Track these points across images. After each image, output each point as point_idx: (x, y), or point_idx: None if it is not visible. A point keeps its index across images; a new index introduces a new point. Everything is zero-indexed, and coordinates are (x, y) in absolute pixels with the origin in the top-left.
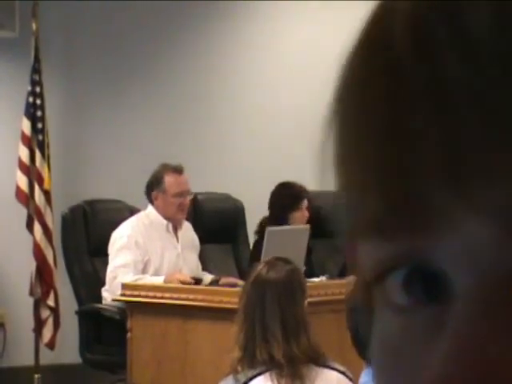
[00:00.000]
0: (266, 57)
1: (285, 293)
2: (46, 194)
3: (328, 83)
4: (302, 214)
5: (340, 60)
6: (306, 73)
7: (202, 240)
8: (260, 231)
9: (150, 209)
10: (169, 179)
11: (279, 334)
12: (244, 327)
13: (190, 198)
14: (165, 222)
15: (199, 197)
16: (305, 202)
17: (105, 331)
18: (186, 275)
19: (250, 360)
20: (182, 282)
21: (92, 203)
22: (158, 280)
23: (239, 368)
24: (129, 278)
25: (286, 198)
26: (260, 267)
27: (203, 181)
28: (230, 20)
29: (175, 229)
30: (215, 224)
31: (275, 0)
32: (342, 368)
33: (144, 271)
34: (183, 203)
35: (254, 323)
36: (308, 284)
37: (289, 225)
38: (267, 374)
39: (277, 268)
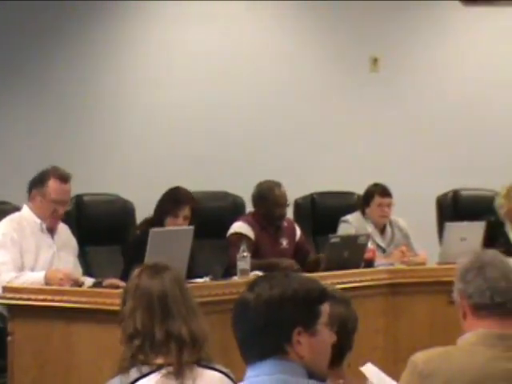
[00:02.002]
0: (150, 57)
1: (170, 296)
2: None
3: (215, 83)
4: (175, 223)
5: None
6: (193, 72)
7: (88, 242)
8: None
9: (25, 208)
10: (52, 184)
11: (167, 336)
12: (131, 330)
13: (66, 208)
14: (38, 221)
15: (85, 198)
16: (184, 211)
17: None
18: (69, 274)
19: (140, 361)
20: (63, 278)
21: None
22: (39, 276)
23: (127, 369)
24: (10, 275)
25: (166, 203)
26: (141, 271)
27: (90, 182)
28: (113, 20)
29: (50, 229)
30: (102, 225)
31: (154, 0)
32: (225, 369)
33: (21, 268)
34: (58, 211)
35: (139, 326)
36: (192, 285)
37: None
38: (153, 375)
39: (160, 272)
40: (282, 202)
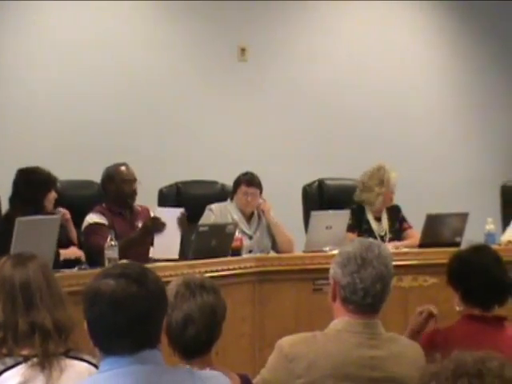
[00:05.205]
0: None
1: (33, 285)
2: None
3: (85, 71)
4: (53, 196)
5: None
6: (58, 60)
7: None
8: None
9: None
10: None
11: (31, 327)
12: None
13: None
14: None
15: None
16: (55, 186)
17: None
18: None
19: (3, 354)
20: None
21: None
22: None
23: None
24: None
25: (40, 179)
26: (5, 261)
27: None
28: None
29: None
30: None
31: None
32: (93, 360)
33: None
34: None
35: (0, 319)
36: (60, 274)
37: (41, 212)
38: (18, 367)
39: (24, 262)
40: (129, 178)
